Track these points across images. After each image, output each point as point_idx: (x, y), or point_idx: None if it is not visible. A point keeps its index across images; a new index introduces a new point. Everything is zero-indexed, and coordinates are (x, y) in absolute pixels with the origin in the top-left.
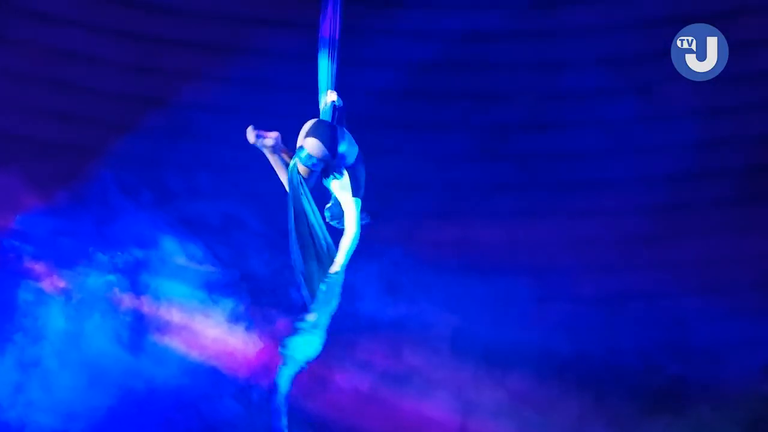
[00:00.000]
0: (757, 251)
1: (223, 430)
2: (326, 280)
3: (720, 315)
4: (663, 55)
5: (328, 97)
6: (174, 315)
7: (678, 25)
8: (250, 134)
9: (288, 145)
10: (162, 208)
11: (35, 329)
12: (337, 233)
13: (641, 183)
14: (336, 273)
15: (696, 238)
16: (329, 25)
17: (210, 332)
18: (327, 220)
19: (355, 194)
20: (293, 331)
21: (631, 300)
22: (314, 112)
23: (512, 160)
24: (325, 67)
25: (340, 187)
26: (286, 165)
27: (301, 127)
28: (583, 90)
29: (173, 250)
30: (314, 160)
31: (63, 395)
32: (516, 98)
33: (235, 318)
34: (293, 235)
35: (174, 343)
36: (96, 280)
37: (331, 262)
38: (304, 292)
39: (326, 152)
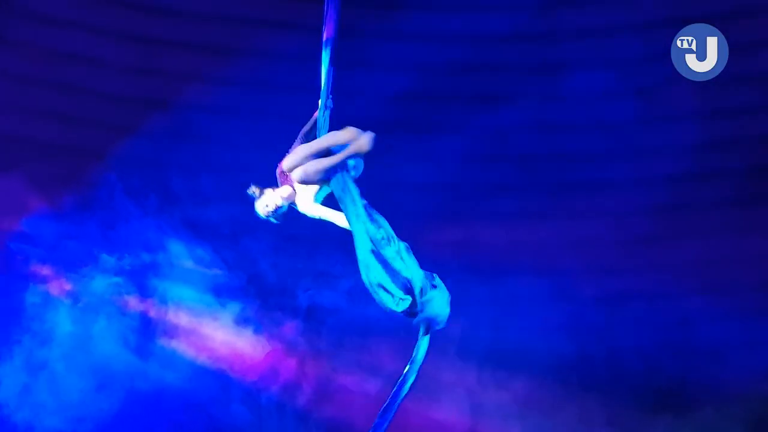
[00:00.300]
0: (758, 252)
1: None
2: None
3: (721, 315)
4: (664, 56)
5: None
6: (181, 318)
7: (679, 26)
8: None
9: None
10: (167, 211)
11: (42, 332)
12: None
13: (643, 184)
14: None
15: (697, 238)
16: (329, 27)
17: (217, 335)
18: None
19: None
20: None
21: (633, 300)
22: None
23: (514, 161)
24: (325, 70)
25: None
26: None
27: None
28: (585, 91)
29: (180, 253)
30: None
31: (70, 398)
32: (518, 100)
33: (242, 321)
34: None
35: (181, 346)
36: (103, 284)
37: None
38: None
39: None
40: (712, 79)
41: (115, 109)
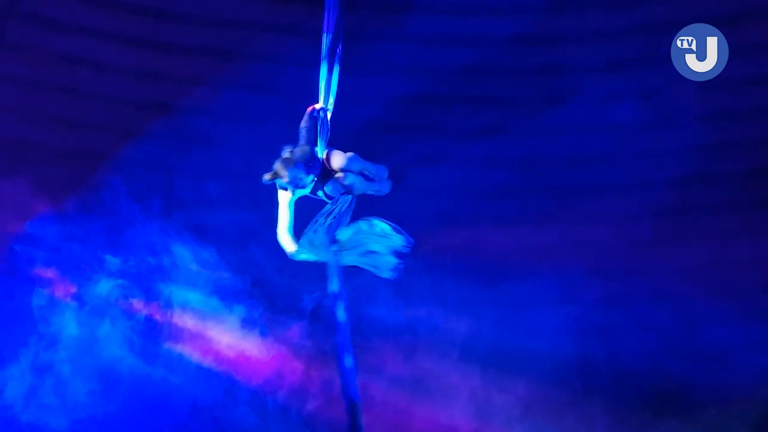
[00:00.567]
0: (762, 255)
1: None
2: None
3: (725, 318)
4: (667, 60)
5: (319, 106)
6: (187, 321)
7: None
8: None
9: None
10: (172, 214)
11: (48, 335)
12: None
13: (648, 187)
14: None
15: (701, 241)
16: (329, 34)
17: (223, 338)
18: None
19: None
20: None
21: (637, 303)
22: None
23: (518, 164)
24: (325, 75)
25: None
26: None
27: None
28: (588, 95)
29: (185, 256)
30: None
31: (76, 400)
32: (522, 103)
33: (248, 324)
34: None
35: (187, 349)
36: (108, 287)
37: None
38: None
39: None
40: (717, 81)
41: (120, 112)
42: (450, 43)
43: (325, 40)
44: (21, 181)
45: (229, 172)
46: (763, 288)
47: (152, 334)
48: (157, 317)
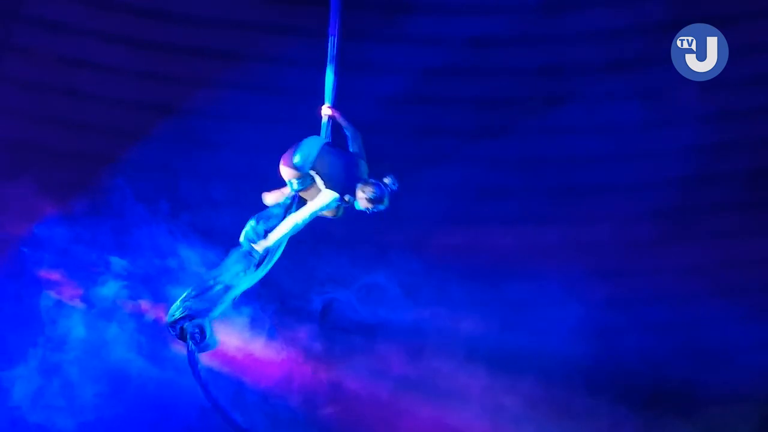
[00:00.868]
0: (765, 254)
1: None
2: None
3: (729, 317)
4: (668, 59)
5: (324, 110)
6: None
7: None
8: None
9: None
10: (179, 216)
11: (55, 337)
12: None
13: (650, 187)
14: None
15: (705, 241)
16: (333, 35)
17: (232, 340)
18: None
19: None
20: None
21: (641, 303)
22: None
23: (520, 165)
24: (330, 77)
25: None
26: None
27: (315, 134)
28: (589, 95)
29: (192, 258)
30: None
31: (83, 402)
32: (523, 103)
33: (257, 326)
34: None
35: None
36: (114, 289)
37: None
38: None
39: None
40: (719, 81)
41: (125, 114)
42: (452, 43)
43: (330, 42)
44: (27, 183)
45: (235, 174)
46: (766, 287)
47: (160, 337)
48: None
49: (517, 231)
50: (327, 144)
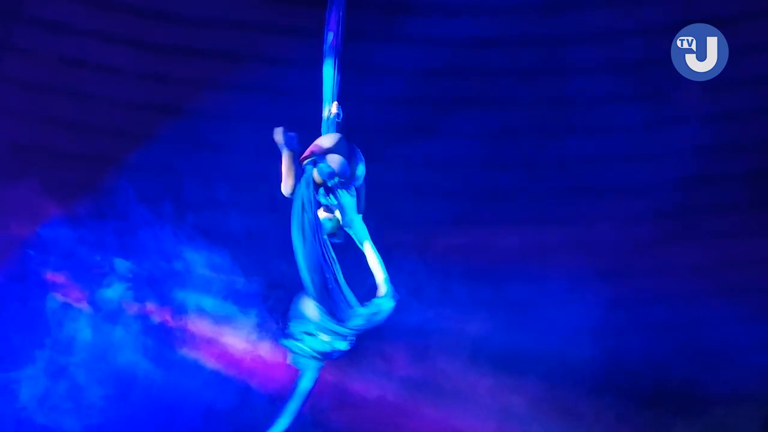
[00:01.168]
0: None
1: None
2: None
3: (731, 318)
4: (668, 60)
5: (333, 108)
6: (200, 326)
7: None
8: (278, 135)
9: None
10: (184, 218)
11: (60, 339)
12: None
13: (652, 187)
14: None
15: (707, 241)
16: (333, 33)
17: (238, 343)
18: (327, 233)
19: (358, 212)
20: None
21: (644, 304)
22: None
23: (523, 166)
24: (329, 77)
25: (351, 204)
26: (298, 172)
27: (317, 135)
28: (591, 95)
29: (198, 260)
30: (334, 176)
31: (89, 405)
32: (524, 104)
33: (262, 328)
34: (303, 240)
35: (201, 354)
36: (119, 291)
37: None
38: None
39: (347, 170)
40: (720, 81)
41: (128, 115)
42: (453, 43)
43: (329, 41)
44: (31, 185)
45: (239, 175)
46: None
47: (166, 339)
48: (171, 322)
49: (519, 232)
50: None
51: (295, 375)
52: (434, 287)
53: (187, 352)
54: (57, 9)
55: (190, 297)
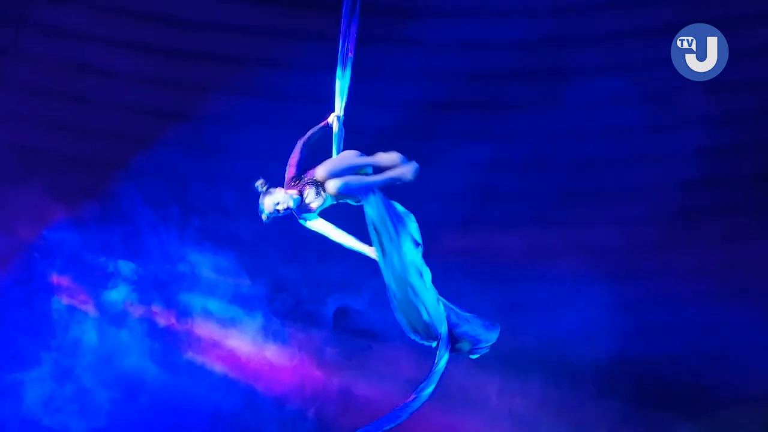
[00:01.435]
0: None
1: None
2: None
3: (740, 319)
4: (668, 61)
5: (336, 115)
6: (207, 329)
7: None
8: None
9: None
10: (189, 222)
11: (66, 342)
12: None
13: (658, 190)
14: None
15: (711, 243)
16: (344, 39)
17: (244, 346)
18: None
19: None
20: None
21: (650, 306)
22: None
23: (527, 168)
24: (340, 82)
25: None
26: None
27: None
28: (595, 98)
29: (203, 263)
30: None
31: (96, 408)
32: (529, 107)
33: (268, 332)
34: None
35: (207, 357)
36: (126, 295)
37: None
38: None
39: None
40: (723, 83)
41: (134, 120)
42: (459, 47)
43: (341, 46)
44: (37, 189)
45: (245, 179)
46: None
47: (172, 342)
48: (177, 325)
49: (524, 234)
50: None
51: (300, 378)
52: (439, 290)
53: (193, 355)
54: (63, 14)
55: (195, 300)
